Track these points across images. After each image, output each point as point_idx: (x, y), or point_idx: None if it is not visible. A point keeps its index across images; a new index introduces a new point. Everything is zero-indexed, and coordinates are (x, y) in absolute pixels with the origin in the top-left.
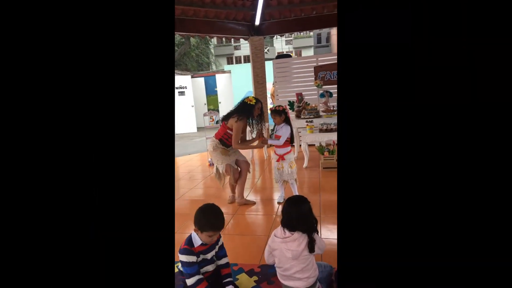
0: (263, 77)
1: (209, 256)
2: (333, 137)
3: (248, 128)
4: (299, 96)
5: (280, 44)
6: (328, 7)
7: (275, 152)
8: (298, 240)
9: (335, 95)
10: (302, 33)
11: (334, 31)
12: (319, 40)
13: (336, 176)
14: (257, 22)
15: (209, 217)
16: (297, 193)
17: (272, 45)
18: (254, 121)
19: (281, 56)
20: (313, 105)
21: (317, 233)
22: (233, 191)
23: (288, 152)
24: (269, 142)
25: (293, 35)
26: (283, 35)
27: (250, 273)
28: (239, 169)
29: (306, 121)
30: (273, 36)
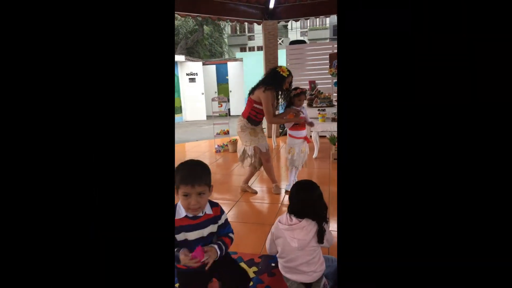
0: (276, 64)
1: (192, 236)
2: None
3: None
4: (312, 84)
5: (295, 35)
6: None
7: (293, 136)
8: (306, 228)
9: None
10: (318, 24)
11: None
12: (335, 32)
13: None
14: (271, 5)
15: (182, 168)
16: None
17: (286, 36)
18: (282, 96)
19: (295, 42)
20: (327, 94)
21: (327, 224)
22: (273, 180)
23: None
24: (308, 120)
25: (308, 26)
26: (298, 20)
27: (250, 263)
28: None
29: (318, 110)
30: (288, 22)
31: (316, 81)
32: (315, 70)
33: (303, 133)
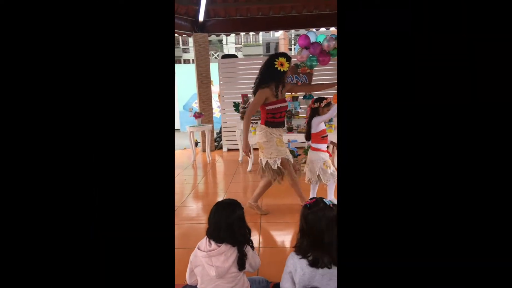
0: (208, 77)
1: None
2: None
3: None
4: (245, 97)
5: (229, 50)
6: (274, 9)
7: (320, 149)
8: (225, 254)
9: None
10: (251, 40)
11: (282, 42)
12: (267, 49)
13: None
14: (201, 18)
15: None
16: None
17: (222, 50)
18: (283, 88)
19: (227, 55)
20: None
21: (251, 246)
22: (300, 195)
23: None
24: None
25: (242, 42)
26: (228, 35)
27: None
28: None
29: (251, 123)
30: (219, 35)
31: (248, 95)
32: (248, 84)
33: (326, 146)
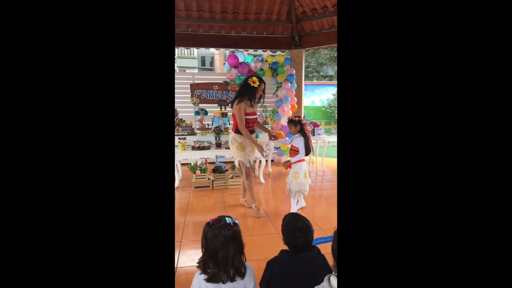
0: None
1: None
2: (206, 155)
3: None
4: (174, 112)
5: None
6: (204, 27)
7: (302, 160)
8: None
9: (210, 113)
10: (186, 53)
11: (217, 57)
12: (203, 62)
13: (208, 195)
14: None
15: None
16: (294, 209)
17: None
18: (255, 101)
19: None
20: (189, 122)
21: None
22: (253, 200)
23: (297, 162)
24: (281, 142)
25: (176, 54)
26: None
27: None
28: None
29: (179, 138)
30: None
31: (177, 109)
32: (177, 99)
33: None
